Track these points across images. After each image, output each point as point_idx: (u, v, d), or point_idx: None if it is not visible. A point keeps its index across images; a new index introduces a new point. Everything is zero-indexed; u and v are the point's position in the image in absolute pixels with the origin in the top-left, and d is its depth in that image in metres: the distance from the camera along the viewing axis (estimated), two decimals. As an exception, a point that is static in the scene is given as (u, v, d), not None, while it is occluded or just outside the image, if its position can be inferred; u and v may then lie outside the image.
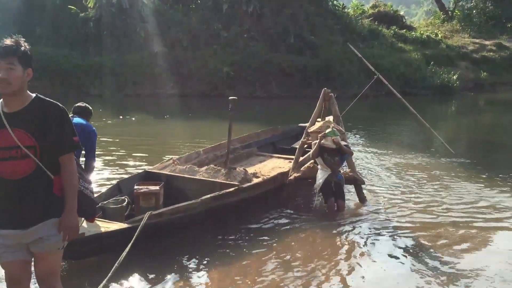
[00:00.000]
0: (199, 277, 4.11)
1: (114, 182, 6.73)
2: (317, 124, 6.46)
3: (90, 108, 4.95)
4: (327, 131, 5.77)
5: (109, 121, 12.93)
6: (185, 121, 13.42)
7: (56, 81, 17.73)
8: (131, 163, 8.15)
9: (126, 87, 18.55)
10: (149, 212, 4.24)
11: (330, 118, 6.92)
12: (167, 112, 14.66)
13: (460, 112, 19.16)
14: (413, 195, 6.65)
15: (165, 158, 7.30)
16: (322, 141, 5.73)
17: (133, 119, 13.75)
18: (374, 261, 4.53)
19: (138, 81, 18.62)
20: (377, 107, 17.37)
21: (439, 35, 26.91)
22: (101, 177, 7.14)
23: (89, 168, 4.60)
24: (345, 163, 6.40)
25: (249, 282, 4.00)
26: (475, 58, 25.37)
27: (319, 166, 5.95)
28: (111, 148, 9.30)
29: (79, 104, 4.96)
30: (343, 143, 5.90)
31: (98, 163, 8.01)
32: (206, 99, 17.65)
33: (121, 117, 13.73)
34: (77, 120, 4.61)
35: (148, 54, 19.14)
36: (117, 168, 7.81)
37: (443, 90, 21.13)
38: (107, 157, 8.48)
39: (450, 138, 10.54)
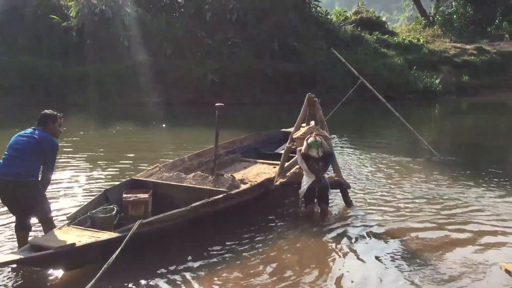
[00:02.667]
0: (187, 285, 4.03)
1: (100, 191, 6.67)
2: (302, 130, 6.41)
3: (48, 112, 4.60)
4: (309, 141, 5.73)
5: (91, 131, 12.76)
6: (170, 129, 13.31)
7: (38, 91, 17.44)
8: (116, 171, 8.02)
9: (110, 96, 18.33)
10: (140, 221, 4.18)
11: (313, 123, 6.86)
12: (152, 120, 14.52)
13: (443, 115, 19.36)
14: (398, 199, 6.66)
15: (150, 165, 7.22)
16: (307, 151, 5.74)
17: (118, 127, 13.59)
18: (361, 265, 4.53)
19: (122, 90, 18.41)
20: (361, 112, 17.46)
21: (421, 40, 27.22)
22: (87, 186, 7.01)
23: (46, 181, 4.44)
24: (330, 168, 6.39)
25: None
26: (456, 62, 25.69)
27: (304, 172, 5.90)
28: (96, 157, 9.16)
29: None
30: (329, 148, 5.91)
31: (84, 172, 7.93)
32: (191, 107, 17.55)
33: (117, 129, 13.56)
34: (37, 133, 4.42)
35: (132, 63, 18.98)
36: (102, 176, 7.69)
37: (426, 94, 21.33)
38: (92, 166, 8.34)
39: (433, 141, 10.61)
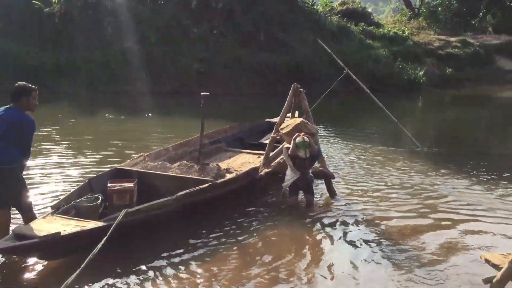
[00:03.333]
0: (172, 275, 4.06)
1: (84, 179, 6.63)
2: (290, 125, 6.19)
3: (21, 85, 4.36)
4: (297, 141, 5.66)
5: (74, 119, 12.61)
6: (154, 118, 13.21)
7: (21, 78, 17.05)
8: (100, 160, 7.96)
9: (94, 84, 18.09)
10: (125, 210, 4.17)
11: (297, 113, 6.77)
12: (136, 109, 14.41)
13: (427, 108, 19.59)
14: (380, 189, 6.77)
15: (134, 154, 7.19)
16: (294, 152, 5.70)
17: (107, 115, 13.47)
18: (344, 253, 4.62)
19: (106, 78, 18.19)
20: (346, 103, 17.57)
21: (406, 32, 27.40)
22: (70, 174, 6.97)
23: (23, 164, 4.29)
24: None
25: (221, 278, 3.97)
26: (440, 54, 25.94)
27: (288, 167, 5.91)
28: (79, 145, 9.08)
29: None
30: (316, 146, 5.88)
31: (68, 159, 7.85)
32: (175, 96, 17.43)
33: (101, 117, 13.42)
34: (6, 113, 4.21)
35: (116, 50, 18.74)
36: (85, 164, 7.63)
37: (410, 86, 21.52)
38: (76, 154, 8.28)
39: (416, 133, 10.75)
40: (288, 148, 5.86)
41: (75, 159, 8.02)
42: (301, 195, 5.99)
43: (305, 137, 5.67)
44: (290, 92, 6.69)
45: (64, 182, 6.59)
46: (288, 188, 5.85)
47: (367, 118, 14.43)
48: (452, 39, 27.83)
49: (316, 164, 6.47)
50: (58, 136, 9.95)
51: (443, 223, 5.50)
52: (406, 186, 6.93)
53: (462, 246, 4.82)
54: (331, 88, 9.14)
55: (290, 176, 5.81)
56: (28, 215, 4.37)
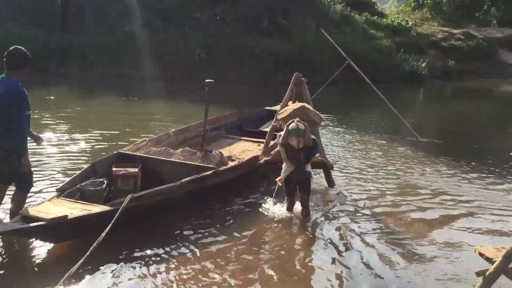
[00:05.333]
0: (174, 260, 4.13)
1: (82, 162, 6.72)
2: (289, 110, 6.02)
3: (25, 52, 4.14)
4: (290, 127, 5.01)
5: (74, 103, 12.63)
6: (154, 103, 13.25)
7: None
8: (101, 144, 8.03)
9: (94, 68, 18.07)
10: (131, 195, 4.23)
11: (299, 105, 6.11)
12: (136, 94, 14.42)
13: (428, 99, 19.61)
14: (379, 180, 6.85)
15: (135, 139, 7.26)
16: (286, 139, 5.06)
17: (103, 100, 13.50)
18: (340, 245, 4.67)
19: (107, 62, 18.16)
20: (347, 93, 17.58)
21: (410, 23, 27.30)
22: (71, 158, 7.03)
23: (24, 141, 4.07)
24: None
25: (218, 270, 4.04)
26: (443, 46, 25.89)
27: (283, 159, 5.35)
28: (79, 128, 9.12)
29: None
30: (312, 136, 5.20)
31: (67, 143, 7.91)
32: (177, 81, 17.44)
33: (101, 101, 13.45)
34: (6, 86, 3.98)
35: (118, 34, 18.70)
36: (86, 148, 7.71)
37: (412, 78, 21.52)
38: (76, 138, 8.34)
39: (416, 124, 10.81)
40: (280, 136, 5.25)
41: (78, 142, 8.09)
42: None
43: (299, 124, 4.98)
44: (291, 81, 6.71)
45: (67, 164, 6.66)
46: (284, 188, 5.31)
47: (367, 108, 14.47)
48: (456, 31, 27.73)
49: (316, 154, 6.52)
50: (61, 119, 10.01)
51: (440, 215, 5.58)
52: (403, 178, 7.00)
53: (457, 238, 4.90)
54: (332, 78, 9.17)
55: (284, 169, 5.27)
56: (24, 194, 4.39)
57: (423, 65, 22.46)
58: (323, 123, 10.86)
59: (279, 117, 5.97)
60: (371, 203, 5.86)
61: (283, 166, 5.29)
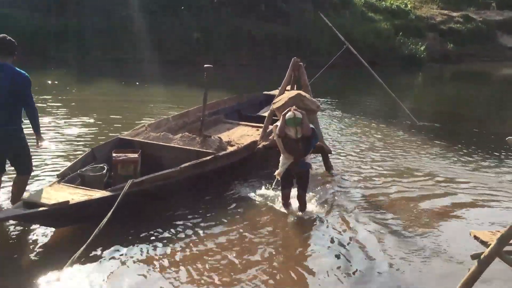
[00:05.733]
0: (172, 245, 4.19)
1: (80, 146, 6.75)
2: (284, 98, 5.73)
3: (11, 39, 4.28)
4: (287, 117, 4.68)
5: (71, 87, 12.59)
6: (152, 88, 13.21)
7: (23, 44, 16.81)
8: (99, 129, 8.06)
9: (92, 52, 17.94)
10: (131, 180, 4.27)
11: (295, 92, 5.88)
12: (135, 78, 14.36)
13: (426, 83, 19.60)
14: (377, 164, 6.90)
15: (134, 124, 7.27)
16: (283, 129, 4.73)
17: (100, 84, 13.45)
18: (337, 230, 4.73)
19: (104, 46, 18.03)
20: (346, 77, 17.54)
21: (409, 6, 27.09)
22: (72, 144, 7.05)
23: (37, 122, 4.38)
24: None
25: (217, 255, 4.08)
26: (442, 29, 25.74)
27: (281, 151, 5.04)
28: (78, 113, 9.12)
29: None
30: (311, 125, 4.87)
31: (65, 128, 7.93)
32: (174, 66, 17.35)
33: (98, 86, 13.40)
34: (8, 71, 4.16)
35: (115, 18, 18.51)
36: (83, 133, 7.73)
37: (410, 61, 21.47)
38: (74, 123, 8.35)
39: (415, 109, 10.82)
40: (277, 126, 4.90)
41: (77, 126, 8.10)
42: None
43: (296, 113, 4.68)
44: (290, 66, 6.70)
45: (66, 149, 6.69)
46: (280, 178, 4.99)
47: (366, 92, 14.47)
48: (455, 14, 27.54)
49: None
50: (59, 104, 10.00)
51: (436, 199, 5.65)
52: (401, 162, 7.06)
53: (453, 222, 4.99)
54: (330, 63, 9.14)
55: (282, 162, 4.92)
56: (25, 177, 4.51)
57: (422, 48, 22.37)
58: (322, 107, 10.94)
59: (274, 106, 5.78)
60: (367, 187, 5.91)
61: (281, 158, 4.94)
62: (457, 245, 4.42)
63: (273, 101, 5.93)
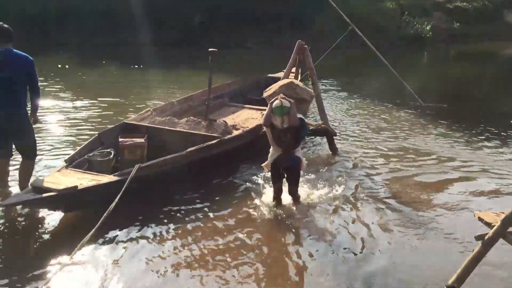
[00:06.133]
0: (181, 228, 4.25)
1: (85, 131, 6.81)
2: (274, 87, 5.72)
3: (8, 26, 4.36)
4: (273, 105, 4.36)
5: (76, 72, 12.58)
6: (156, 70, 13.18)
7: (18, 27, 16.69)
8: (106, 113, 8.09)
9: (93, 34, 17.84)
10: (138, 165, 4.31)
11: (287, 81, 5.74)
12: (137, 61, 14.33)
13: (432, 63, 19.40)
14: (382, 145, 6.93)
15: (138, 108, 7.30)
16: (269, 118, 4.44)
17: (102, 68, 13.45)
18: (346, 211, 4.77)
19: (106, 28, 17.94)
20: (351, 57, 17.40)
21: (415, -16, 26.65)
22: (79, 128, 7.10)
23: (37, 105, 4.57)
24: (316, 114, 6.50)
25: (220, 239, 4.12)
26: (448, 8, 25.36)
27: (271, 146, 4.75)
28: (84, 98, 9.15)
29: None
30: (299, 115, 4.52)
31: (69, 113, 7.97)
32: (177, 47, 17.27)
33: (101, 69, 13.37)
34: (13, 55, 4.29)
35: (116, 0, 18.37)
36: (92, 118, 7.77)
37: (416, 41, 21.23)
38: (81, 107, 8.38)
39: (420, 89, 10.76)
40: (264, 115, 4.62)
41: (82, 111, 8.15)
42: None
43: (284, 101, 4.34)
44: (294, 49, 6.68)
45: (72, 134, 6.75)
46: (270, 171, 4.72)
47: (371, 73, 14.35)
48: (461, -8, 27.08)
49: (319, 121, 6.56)
50: (64, 88, 10.03)
51: (441, 180, 5.67)
52: (406, 144, 7.06)
53: (457, 203, 5.00)
54: (334, 45, 9.07)
55: (271, 153, 4.65)
56: (32, 162, 4.60)
57: (428, 28, 22.09)
58: (327, 89, 10.91)
59: (265, 94, 5.64)
60: (373, 168, 5.93)
61: (270, 149, 4.68)
62: (461, 226, 4.45)
63: (265, 90, 5.85)
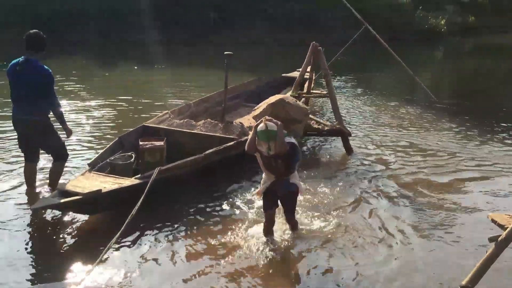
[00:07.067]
0: (202, 229, 4.33)
1: (103, 132, 6.98)
2: (262, 106, 5.48)
3: (42, 35, 4.51)
4: (258, 129, 3.73)
5: (94, 72, 12.79)
6: (170, 70, 13.35)
7: (35, 27, 16.91)
8: (124, 114, 8.27)
9: (108, 33, 18.08)
10: (158, 168, 4.45)
11: (277, 98, 5.28)
12: (152, 60, 14.48)
13: (446, 57, 19.27)
14: (396, 144, 6.95)
15: (155, 109, 7.44)
16: (253, 143, 3.84)
17: (118, 67, 13.65)
18: (360, 209, 4.84)
19: (120, 27, 18.16)
20: (362, 54, 17.32)
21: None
22: (99, 130, 7.28)
23: (59, 112, 4.64)
24: (330, 112, 6.54)
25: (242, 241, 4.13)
26: (463, 1, 25.12)
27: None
28: (104, 98, 9.35)
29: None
30: (290, 140, 3.84)
31: (86, 113, 8.16)
32: (191, 45, 17.41)
33: (117, 69, 13.60)
34: (31, 65, 4.41)
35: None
36: (111, 120, 7.95)
37: (430, 35, 21.08)
38: (100, 108, 8.58)
39: (434, 85, 10.75)
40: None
41: (102, 112, 8.33)
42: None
43: (269, 124, 3.69)
44: (309, 51, 6.76)
45: (92, 136, 6.92)
46: (262, 200, 4.13)
47: (384, 69, 14.33)
48: (476, -16, 26.77)
49: (334, 122, 6.62)
50: (82, 88, 10.22)
51: (455, 180, 5.69)
52: (420, 141, 7.09)
53: (472, 203, 5.02)
54: (348, 45, 9.09)
55: (263, 180, 4.09)
56: (57, 164, 4.78)
57: (442, 22, 21.92)
58: (340, 86, 10.90)
59: (252, 115, 5.22)
60: (387, 168, 5.96)
61: (263, 175, 4.12)
62: (475, 227, 4.49)
63: (253, 109, 5.57)
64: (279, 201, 4.09)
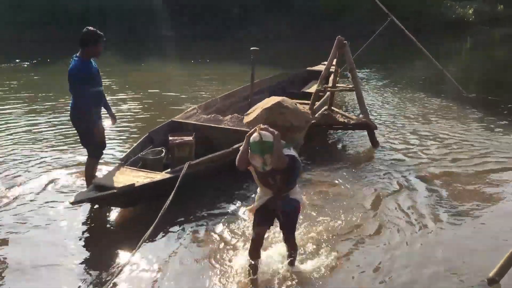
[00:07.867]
0: (232, 222, 4.38)
1: (132, 128, 7.16)
2: (256, 110, 4.91)
3: (90, 32, 4.54)
4: (251, 140, 3.13)
5: (118, 68, 13.00)
6: (195, 65, 13.51)
7: (60, 25, 17.28)
8: (152, 110, 8.45)
9: (132, 31, 18.31)
10: (188, 162, 4.58)
11: (275, 100, 4.74)
12: (178, 55, 14.66)
13: (475, 48, 18.84)
14: (423, 139, 6.87)
15: (182, 104, 7.57)
16: (245, 155, 3.22)
17: (142, 64, 13.91)
18: (386, 202, 4.86)
19: (145, 24, 18.39)
20: (389, 46, 17.13)
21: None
22: (130, 125, 7.47)
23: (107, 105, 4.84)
24: (354, 103, 6.52)
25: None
26: (492, -11, 24.51)
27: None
28: (134, 93, 9.58)
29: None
30: (289, 152, 3.23)
31: (120, 108, 8.36)
32: (214, 41, 17.51)
33: (142, 65, 13.81)
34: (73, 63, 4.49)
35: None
36: (139, 115, 8.14)
37: (458, 25, 20.66)
38: (130, 101, 8.83)
39: (462, 77, 10.54)
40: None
41: (131, 106, 8.55)
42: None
43: (264, 134, 3.12)
44: (334, 45, 6.73)
45: (125, 129, 7.16)
46: (254, 216, 3.54)
47: (410, 61, 14.13)
48: (506, -28, 26.03)
49: (360, 115, 6.61)
50: (111, 83, 10.48)
51: (482, 172, 5.62)
52: (448, 135, 6.99)
53: (498, 200, 4.95)
54: (373, 37, 9.03)
55: (259, 195, 3.54)
56: (90, 159, 4.80)
57: (470, 11, 21.45)
58: (366, 79, 10.82)
59: (245, 120, 4.86)
60: (414, 162, 5.92)
61: (258, 190, 3.57)
62: (503, 220, 4.47)
63: (246, 113, 5.09)
64: (275, 219, 3.53)
